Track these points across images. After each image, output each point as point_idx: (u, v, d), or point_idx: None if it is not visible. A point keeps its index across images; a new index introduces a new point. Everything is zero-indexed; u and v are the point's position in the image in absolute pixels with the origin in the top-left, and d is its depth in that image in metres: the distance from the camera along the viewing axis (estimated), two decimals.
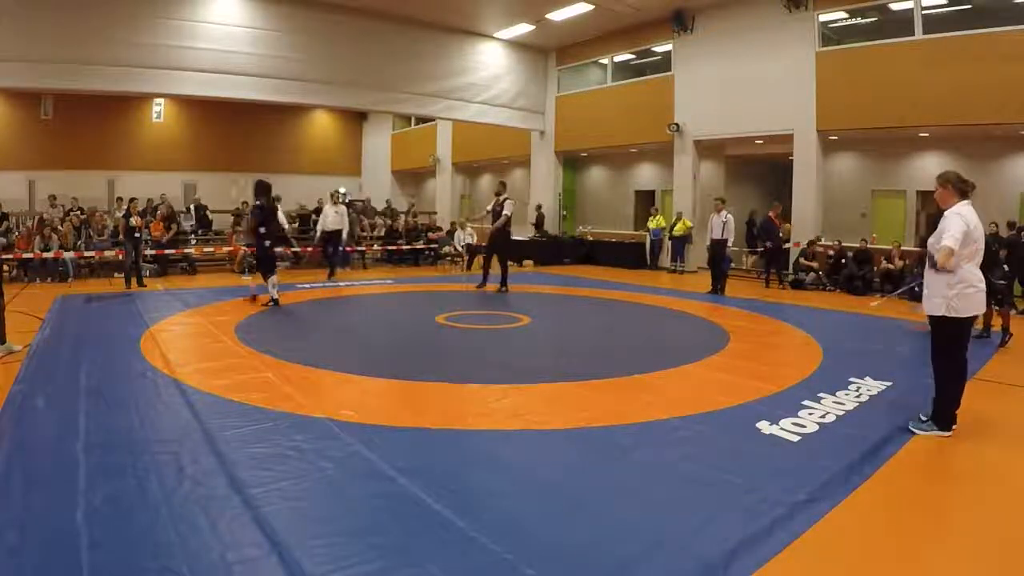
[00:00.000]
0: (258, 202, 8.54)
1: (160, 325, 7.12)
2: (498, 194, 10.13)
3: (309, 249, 13.71)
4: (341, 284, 11.38)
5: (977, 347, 5.97)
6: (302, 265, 13.92)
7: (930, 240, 3.99)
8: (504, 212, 9.97)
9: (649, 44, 15.65)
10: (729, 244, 10.69)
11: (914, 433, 3.89)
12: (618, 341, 7.01)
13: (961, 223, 3.74)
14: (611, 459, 3.48)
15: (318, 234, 12.03)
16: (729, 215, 10.69)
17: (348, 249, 14.35)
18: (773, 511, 2.83)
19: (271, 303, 8.44)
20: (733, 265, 13.96)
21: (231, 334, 6.62)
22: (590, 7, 13.82)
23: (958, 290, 3.81)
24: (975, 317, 3.95)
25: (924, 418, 3.99)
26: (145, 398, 4.42)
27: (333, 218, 11.97)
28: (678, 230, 14.57)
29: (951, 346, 3.93)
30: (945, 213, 3.91)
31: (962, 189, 3.93)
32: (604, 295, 10.53)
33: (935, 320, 3.95)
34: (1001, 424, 4.24)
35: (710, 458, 3.46)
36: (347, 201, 17.41)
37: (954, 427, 3.93)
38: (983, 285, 3.90)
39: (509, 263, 10.65)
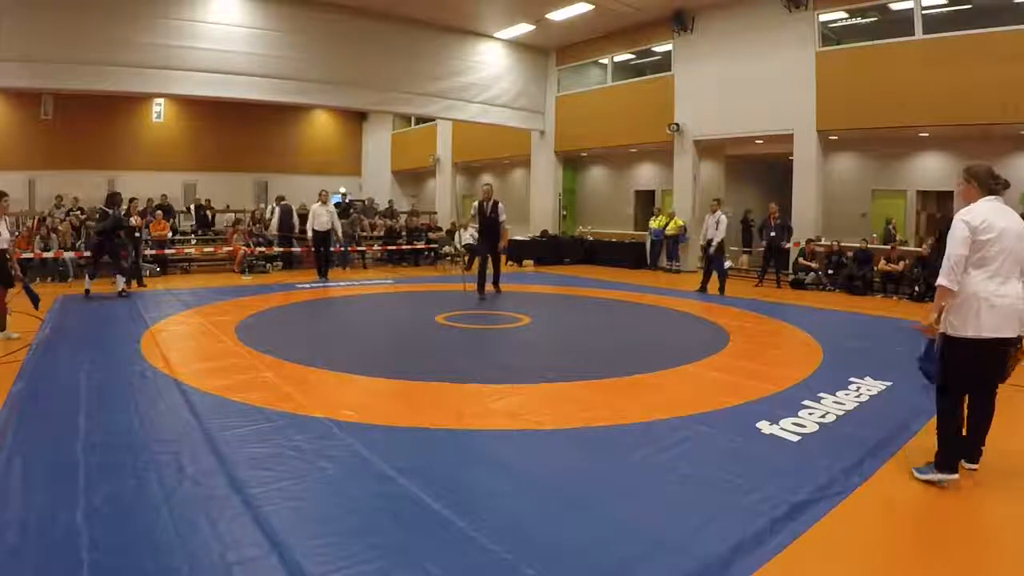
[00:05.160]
0: (107, 210, 9.39)
1: (160, 325, 7.13)
2: (488, 196, 10.06)
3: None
4: (342, 284, 11.39)
5: None
6: (303, 265, 13.96)
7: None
8: (502, 217, 9.98)
9: (649, 44, 15.64)
10: (714, 243, 10.57)
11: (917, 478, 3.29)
12: (618, 341, 7.01)
13: (963, 231, 3.07)
14: (611, 459, 3.48)
15: (310, 234, 11.97)
16: (723, 215, 10.68)
17: (350, 249, 14.41)
18: (773, 511, 2.83)
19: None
20: (731, 265, 14.02)
21: (231, 334, 6.62)
22: (590, 7, 13.81)
23: (958, 302, 3.11)
24: (993, 343, 3.08)
25: (927, 464, 3.32)
26: (145, 398, 4.42)
27: (326, 217, 11.93)
28: (670, 229, 14.60)
29: (952, 374, 3.20)
30: (955, 217, 3.23)
31: (991, 188, 3.20)
32: (604, 295, 10.53)
33: (940, 337, 3.27)
34: (1003, 423, 4.23)
35: (710, 458, 3.46)
36: (348, 201, 17.52)
37: (975, 465, 3.33)
38: (999, 300, 3.05)
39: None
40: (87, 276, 9.52)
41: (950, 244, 3.12)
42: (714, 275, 10.71)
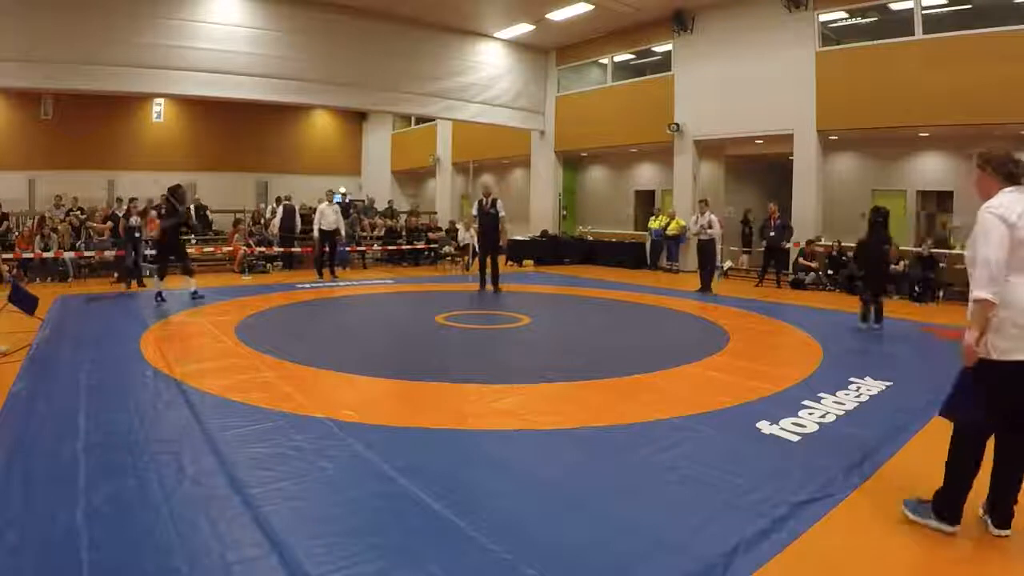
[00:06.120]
0: (178, 206, 8.92)
1: (160, 325, 7.13)
2: (487, 194, 10.22)
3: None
4: (341, 284, 11.40)
5: None
6: (303, 265, 13.99)
7: (967, 253, 2.74)
8: (501, 213, 10.10)
9: (649, 44, 15.65)
10: (700, 234, 10.76)
11: (909, 517, 2.80)
12: (618, 341, 7.01)
13: (1000, 228, 2.48)
14: (611, 459, 3.48)
15: (316, 233, 12.11)
16: (712, 216, 10.75)
17: (350, 249, 14.44)
18: (773, 511, 2.83)
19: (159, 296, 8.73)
20: (731, 265, 14.08)
21: (231, 334, 6.62)
22: (590, 7, 13.81)
23: (999, 319, 2.50)
24: None
25: (921, 501, 2.81)
26: (145, 398, 4.42)
27: (333, 218, 12.15)
28: (671, 229, 14.62)
29: (977, 402, 2.59)
30: (979, 212, 2.64)
31: (1011, 173, 2.64)
32: (604, 295, 10.53)
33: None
34: None
35: (710, 458, 3.46)
36: (348, 201, 17.56)
37: (1007, 530, 2.64)
38: None
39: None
40: (156, 277, 9.01)
41: (985, 245, 2.50)
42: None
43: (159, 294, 8.76)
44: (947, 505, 2.67)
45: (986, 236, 2.51)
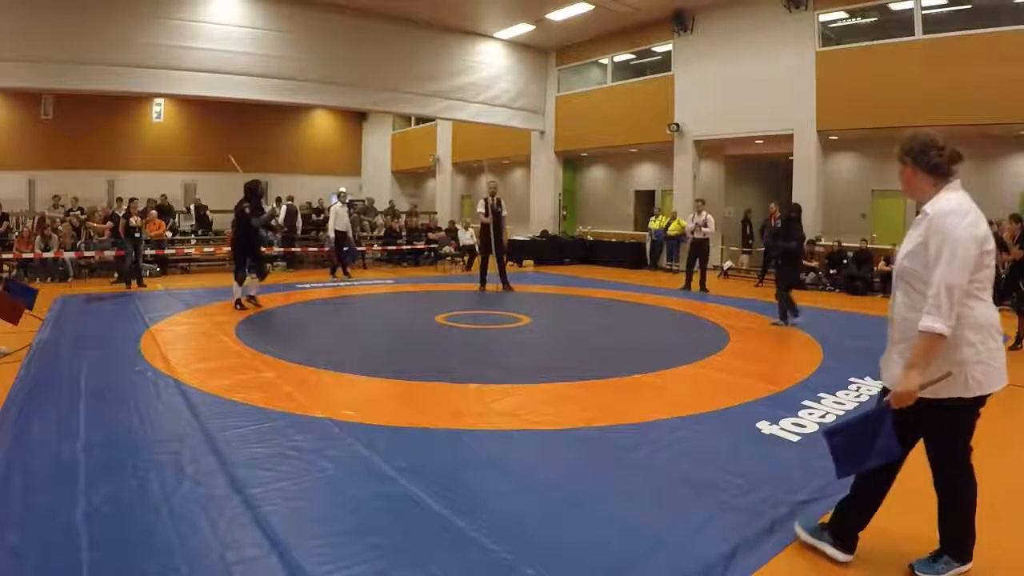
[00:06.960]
0: (263, 206, 8.61)
1: (160, 325, 7.13)
2: (492, 193, 10.31)
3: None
4: (341, 284, 11.42)
5: None
6: (304, 265, 14.00)
7: (901, 262, 2.28)
8: (504, 212, 10.22)
9: (649, 44, 15.66)
10: (696, 233, 10.85)
11: None
12: (618, 341, 7.01)
13: (970, 247, 2.08)
14: (611, 459, 3.48)
15: (332, 233, 12.38)
16: (709, 216, 10.83)
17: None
18: (773, 511, 2.83)
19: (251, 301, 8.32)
20: (731, 265, 14.08)
21: (231, 334, 6.62)
22: (590, 7, 13.82)
23: (983, 347, 2.14)
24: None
25: (932, 559, 2.39)
26: (145, 398, 4.42)
27: (347, 219, 12.52)
28: (672, 229, 14.62)
29: (963, 443, 2.29)
30: (928, 213, 2.19)
31: (936, 165, 2.21)
32: (604, 295, 10.53)
33: (936, 405, 2.18)
34: (997, 427, 4.23)
35: (710, 458, 3.46)
36: (348, 201, 17.62)
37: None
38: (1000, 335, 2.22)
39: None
40: (235, 283, 8.24)
41: (949, 266, 2.05)
42: (711, 274, 10.84)
43: (238, 301, 8.12)
44: (956, 546, 2.34)
45: (952, 254, 2.05)
